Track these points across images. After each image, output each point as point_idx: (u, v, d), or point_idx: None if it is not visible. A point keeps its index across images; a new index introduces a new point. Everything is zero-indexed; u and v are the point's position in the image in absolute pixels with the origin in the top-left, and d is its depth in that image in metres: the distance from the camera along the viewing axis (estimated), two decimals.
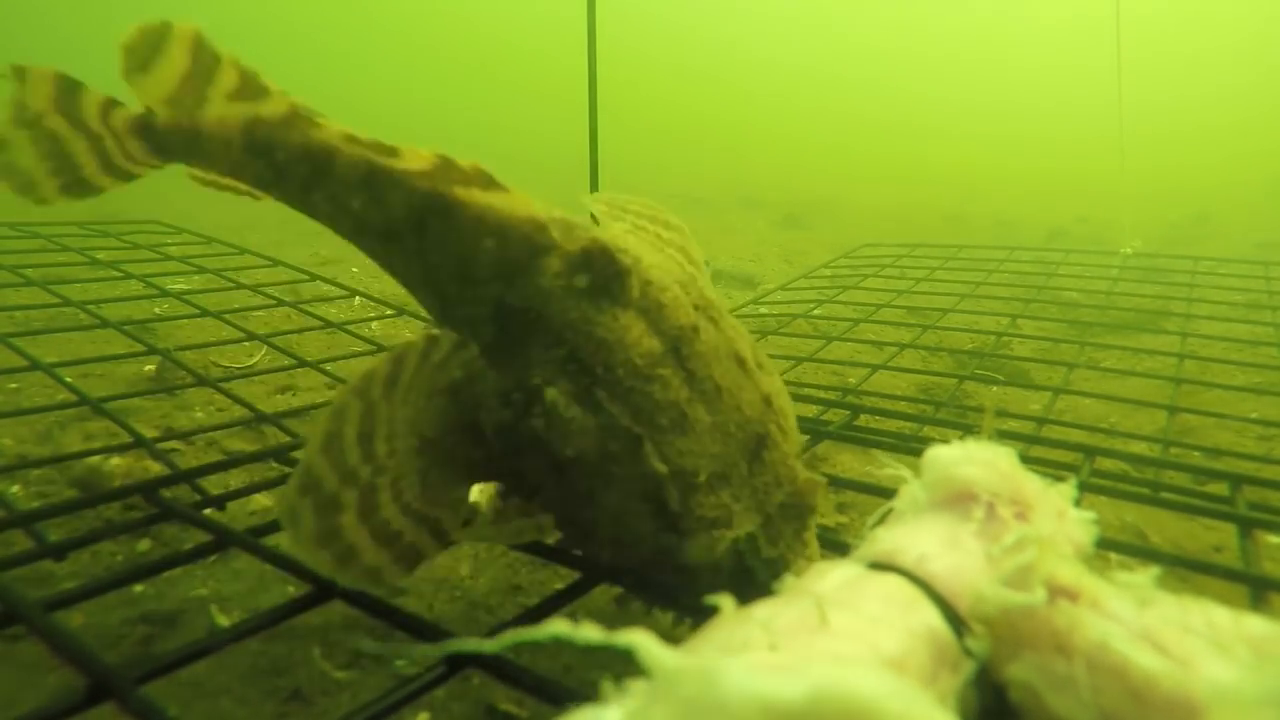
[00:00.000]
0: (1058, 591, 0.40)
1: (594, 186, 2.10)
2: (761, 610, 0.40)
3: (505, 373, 0.67)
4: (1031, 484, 0.52)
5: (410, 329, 2.24)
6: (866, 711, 0.29)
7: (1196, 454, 1.43)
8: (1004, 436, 1.24)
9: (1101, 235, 5.06)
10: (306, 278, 2.35)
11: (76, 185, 1.02)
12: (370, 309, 2.27)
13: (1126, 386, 1.90)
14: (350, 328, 1.88)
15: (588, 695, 0.50)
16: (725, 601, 0.38)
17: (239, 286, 2.13)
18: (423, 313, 2.14)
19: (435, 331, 0.68)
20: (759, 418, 0.68)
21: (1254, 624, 0.39)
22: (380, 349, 1.76)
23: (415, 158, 0.74)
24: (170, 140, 0.93)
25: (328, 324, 1.91)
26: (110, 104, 0.97)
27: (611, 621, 0.96)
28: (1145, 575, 0.42)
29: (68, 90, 0.97)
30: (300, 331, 1.89)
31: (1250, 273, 2.66)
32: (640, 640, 0.31)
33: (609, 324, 0.66)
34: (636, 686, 0.32)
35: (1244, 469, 1.23)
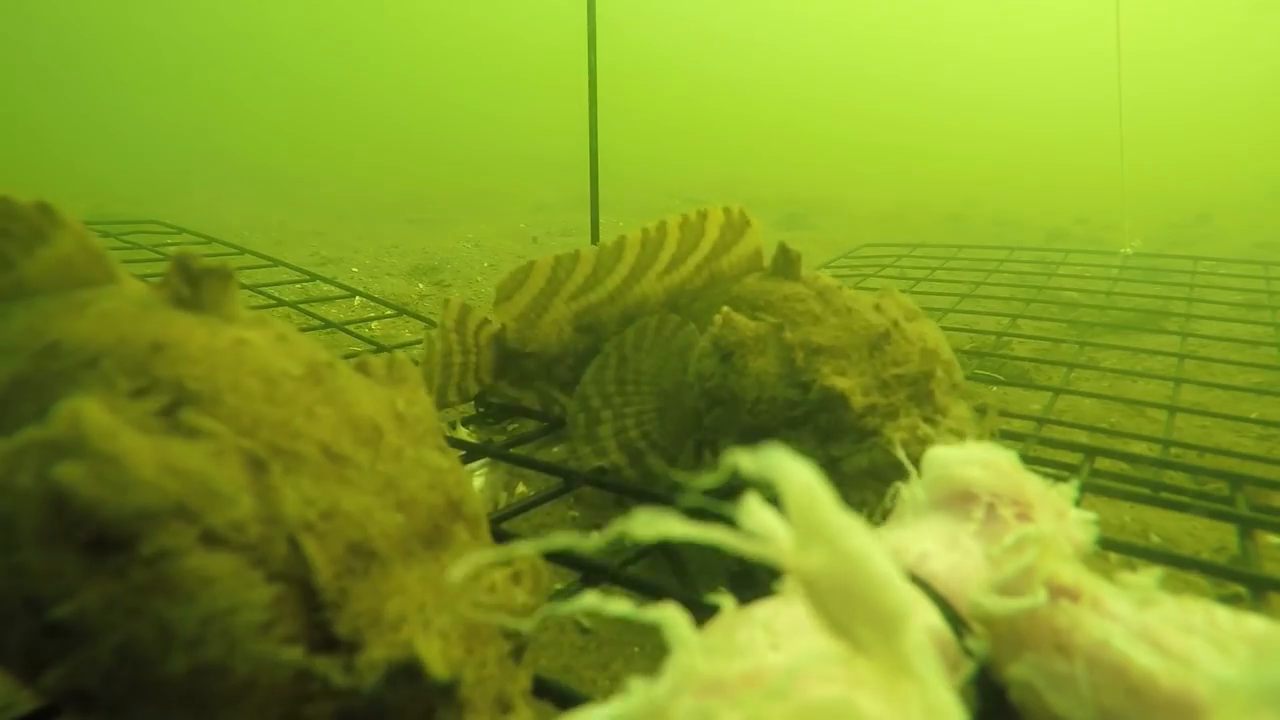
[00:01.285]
0: (1058, 591, 0.40)
1: (594, 186, 2.10)
2: (762, 610, 0.40)
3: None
4: (1032, 484, 0.52)
5: (410, 328, 2.24)
6: (890, 618, 0.30)
7: (1196, 454, 1.43)
8: (1004, 436, 1.24)
9: (1101, 235, 5.06)
10: (306, 278, 2.36)
11: (446, 394, 1.28)
12: (370, 309, 2.27)
13: (1126, 386, 1.90)
14: (350, 328, 1.88)
15: (587, 695, 0.50)
16: (726, 601, 0.38)
17: (239, 286, 2.13)
18: (422, 313, 2.14)
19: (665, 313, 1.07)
20: (882, 328, 0.88)
21: (1254, 624, 0.39)
22: (380, 349, 1.76)
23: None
24: (511, 344, 1.24)
25: (328, 324, 1.91)
26: (484, 322, 1.26)
27: (612, 620, 0.96)
28: (1147, 575, 0.42)
29: (463, 313, 1.26)
30: (300, 331, 1.89)
31: (1250, 273, 2.66)
32: (669, 616, 0.31)
33: (778, 288, 0.97)
34: (637, 683, 0.32)
35: (1244, 469, 1.23)
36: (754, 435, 0.89)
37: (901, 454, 0.72)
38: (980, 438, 0.83)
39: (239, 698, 0.37)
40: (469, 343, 1.27)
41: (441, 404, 1.25)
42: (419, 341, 1.97)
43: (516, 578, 0.46)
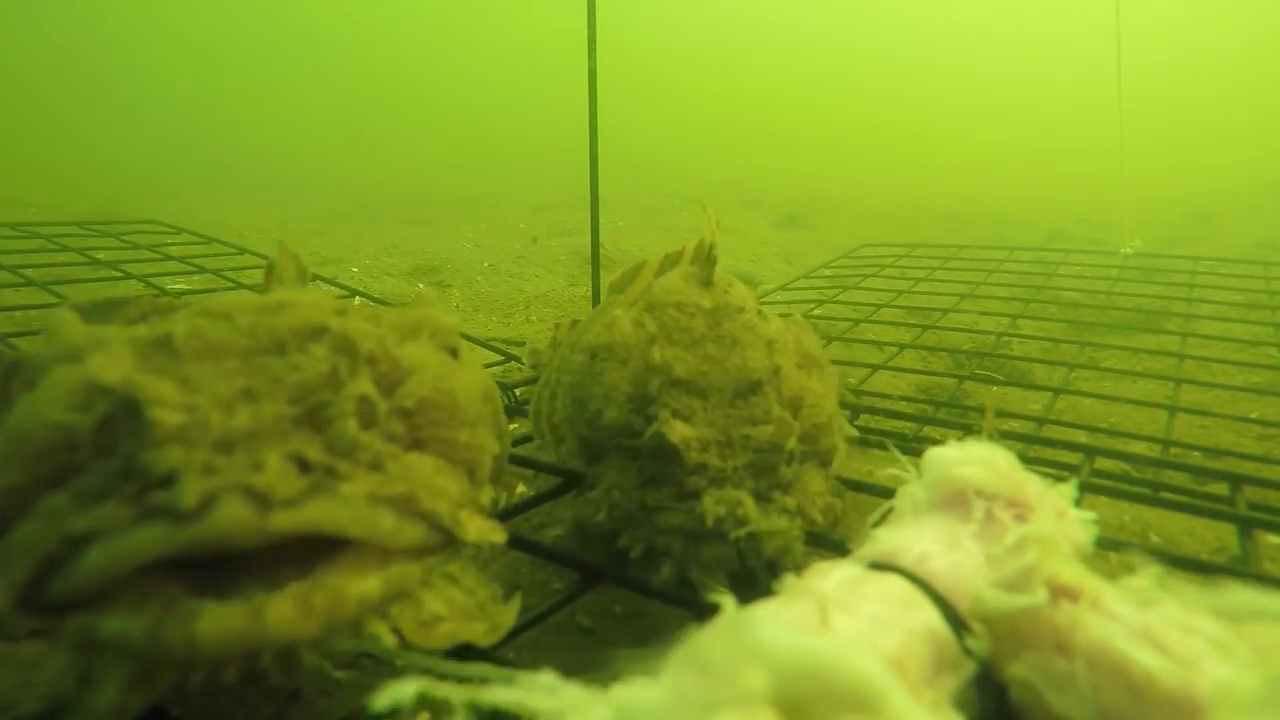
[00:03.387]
0: (1059, 591, 0.40)
1: (594, 186, 2.10)
2: (762, 610, 0.40)
3: None
4: (1031, 484, 0.52)
5: None
6: (871, 697, 0.30)
7: (1196, 454, 1.43)
8: (1004, 436, 1.24)
9: (1101, 235, 5.05)
10: None
11: None
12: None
13: (1126, 386, 1.90)
14: None
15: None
16: (726, 601, 0.38)
17: (239, 286, 2.13)
18: None
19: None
20: (757, 375, 0.80)
21: (1255, 624, 0.39)
22: None
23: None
24: None
25: None
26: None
27: (612, 620, 0.96)
28: (1148, 575, 0.42)
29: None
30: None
31: (1250, 273, 2.66)
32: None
33: (680, 292, 0.89)
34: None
35: (1244, 469, 1.23)
36: (589, 449, 0.85)
37: (710, 525, 0.70)
38: (823, 515, 0.79)
39: None
40: None
41: None
42: None
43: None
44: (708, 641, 0.32)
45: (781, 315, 0.99)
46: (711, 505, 0.70)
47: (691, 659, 0.32)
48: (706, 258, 0.93)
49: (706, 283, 0.90)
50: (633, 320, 0.87)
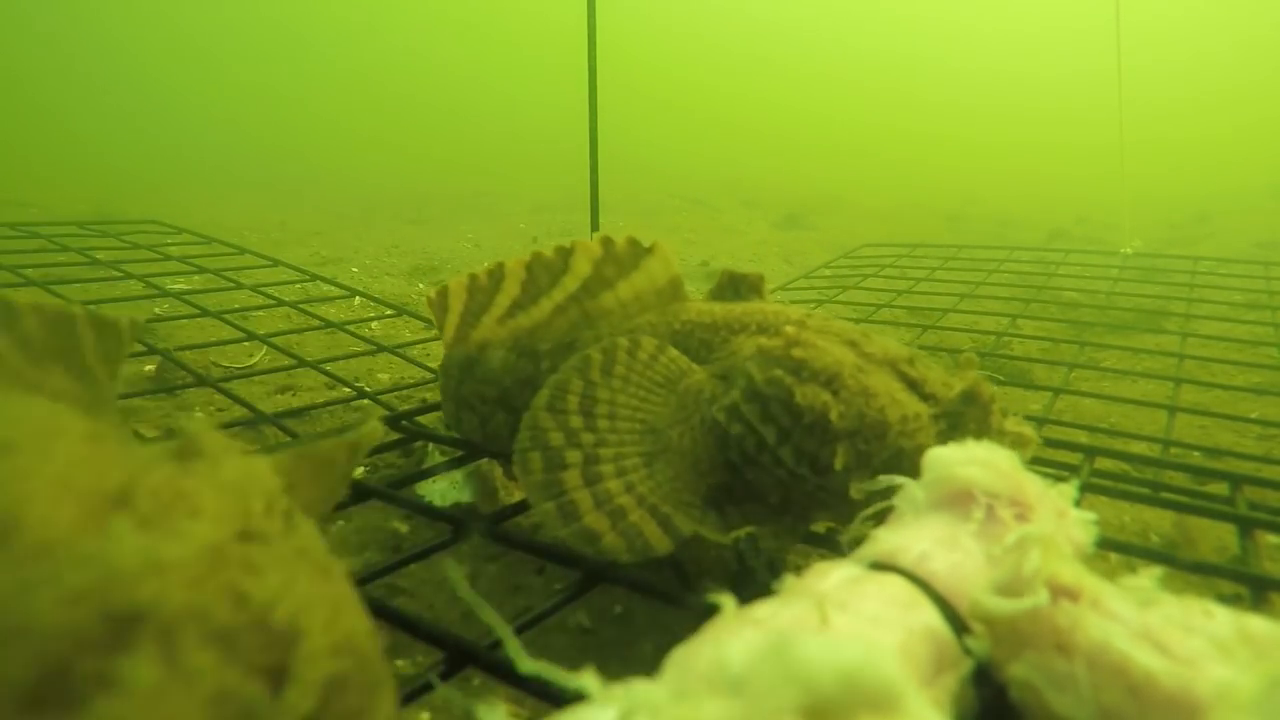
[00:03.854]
0: (1059, 591, 0.40)
1: (594, 186, 2.10)
2: (762, 610, 0.40)
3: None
4: (1031, 484, 0.52)
5: (410, 329, 2.23)
6: (889, 698, 0.30)
7: (1196, 454, 1.43)
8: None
9: (1101, 235, 5.05)
10: (306, 278, 2.35)
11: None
12: (370, 309, 2.27)
13: (1126, 386, 1.90)
14: (350, 328, 1.88)
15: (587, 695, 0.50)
16: (726, 601, 0.38)
17: (239, 286, 2.13)
18: (423, 312, 2.14)
19: (637, 334, 0.84)
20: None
21: (1255, 624, 0.39)
22: (380, 349, 1.76)
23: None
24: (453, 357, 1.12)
25: (328, 324, 1.91)
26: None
27: (612, 620, 0.96)
28: (1147, 575, 0.42)
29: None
30: (300, 331, 1.89)
31: (1250, 273, 2.66)
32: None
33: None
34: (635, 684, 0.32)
35: (1244, 469, 1.23)
36: (783, 508, 0.73)
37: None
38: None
39: None
40: None
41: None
42: (419, 342, 1.97)
43: None
44: (741, 657, 0.32)
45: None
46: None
47: (721, 673, 0.32)
48: (750, 282, 0.95)
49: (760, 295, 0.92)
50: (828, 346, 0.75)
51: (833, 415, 0.67)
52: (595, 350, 0.81)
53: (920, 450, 0.58)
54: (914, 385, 0.71)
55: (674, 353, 0.82)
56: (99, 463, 0.34)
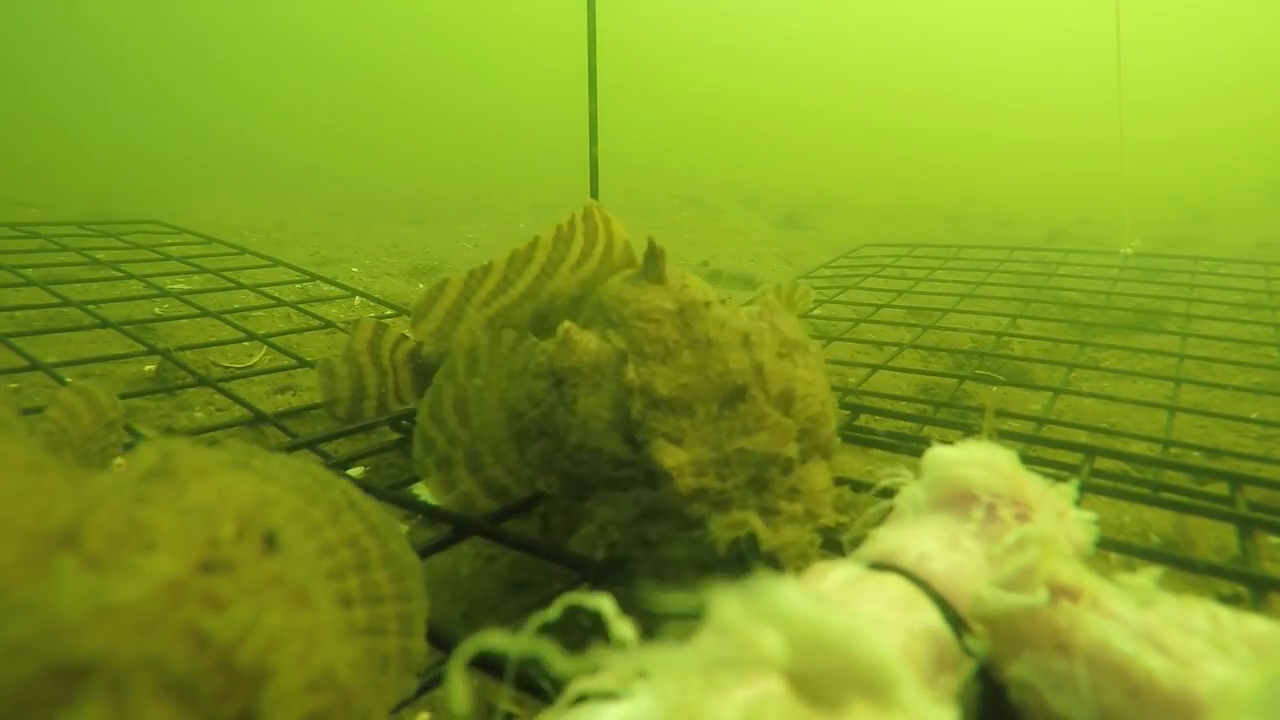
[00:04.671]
0: (1059, 591, 0.40)
1: (594, 187, 2.10)
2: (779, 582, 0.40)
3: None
4: (1032, 484, 0.52)
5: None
6: (883, 683, 0.30)
7: (1196, 454, 1.43)
8: (1004, 436, 1.24)
9: (1101, 235, 5.05)
10: (306, 278, 2.36)
11: (359, 413, 1.26)
12: (370, 309, 2.27)
13: (1126, 386, 1.90)
14: (350, 328, 1.88)
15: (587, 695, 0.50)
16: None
17: (239, 286, 2.13)
18: None
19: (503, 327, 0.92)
20: (741, 378, 0.73)
21: (1255, 624, 0.39)
22: None
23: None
24: (427, 360, 1.19)
25: (328, 324, 1.91)
26: (400, 340, 1.23)
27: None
28: (1147, 575, 0.42)
29: (378, 332, 1.24)
30: (300, 331, 1.89)
31: (1250, 273, 2.66)
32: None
33: (638, 297, 0.80)
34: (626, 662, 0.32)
35: (1244, 469, 1.23)
36: (573, 484, 0.77)
37: (723, 550, 0.66)
38: (834, 510, 0.74)
39: None
40: (385, 363, 1.24)
41: (356, 418, 1.23)
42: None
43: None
44: (726, 605, 0.32)
45: (747, 303, 0.91)
46: (720, 532, 0.67)
47: (710, 623, 0.32)
48: (651, 252, 0.84)
49: (659, 280, 0.82)
50: (596, 336, 0.79)
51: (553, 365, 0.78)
52: (460, 355, 0.89)
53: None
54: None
55: (532, 339, 0.87)
56: (42, 496, 0.31)
